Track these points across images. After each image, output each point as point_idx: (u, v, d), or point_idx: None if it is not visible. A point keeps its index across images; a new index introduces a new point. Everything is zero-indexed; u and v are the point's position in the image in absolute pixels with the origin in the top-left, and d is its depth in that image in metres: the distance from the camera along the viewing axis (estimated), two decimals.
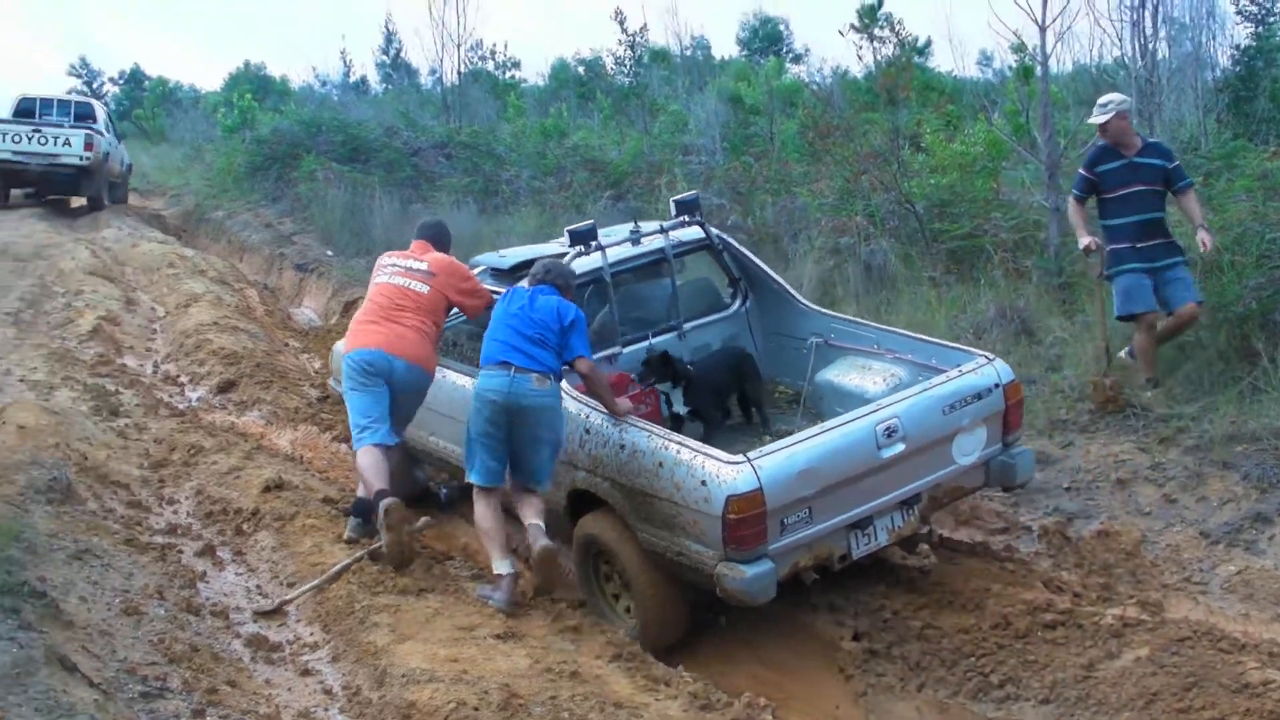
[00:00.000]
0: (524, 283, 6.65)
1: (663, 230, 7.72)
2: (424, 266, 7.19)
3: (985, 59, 29.89)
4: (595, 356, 6.66)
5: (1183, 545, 6.52)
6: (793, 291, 7.97)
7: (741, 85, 26.07)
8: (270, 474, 7.92)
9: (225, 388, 10.84)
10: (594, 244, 7.26)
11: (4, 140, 21.54)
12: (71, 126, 22.33)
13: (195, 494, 7.94)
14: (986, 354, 6.57)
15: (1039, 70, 11.24)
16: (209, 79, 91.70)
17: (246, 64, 51.07)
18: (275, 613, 6.27)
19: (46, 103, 24.17)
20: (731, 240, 8.24)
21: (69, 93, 33.95)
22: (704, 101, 23.63)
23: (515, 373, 6.17)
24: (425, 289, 7.11)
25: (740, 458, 5.53)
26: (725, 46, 43.97)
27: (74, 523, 6.63)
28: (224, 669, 5.38)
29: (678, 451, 5.75)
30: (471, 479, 6.43)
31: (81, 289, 14.74)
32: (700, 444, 5.82)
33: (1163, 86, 13.07)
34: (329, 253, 18.04)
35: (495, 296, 6.93)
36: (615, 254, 7.41)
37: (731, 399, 7.48)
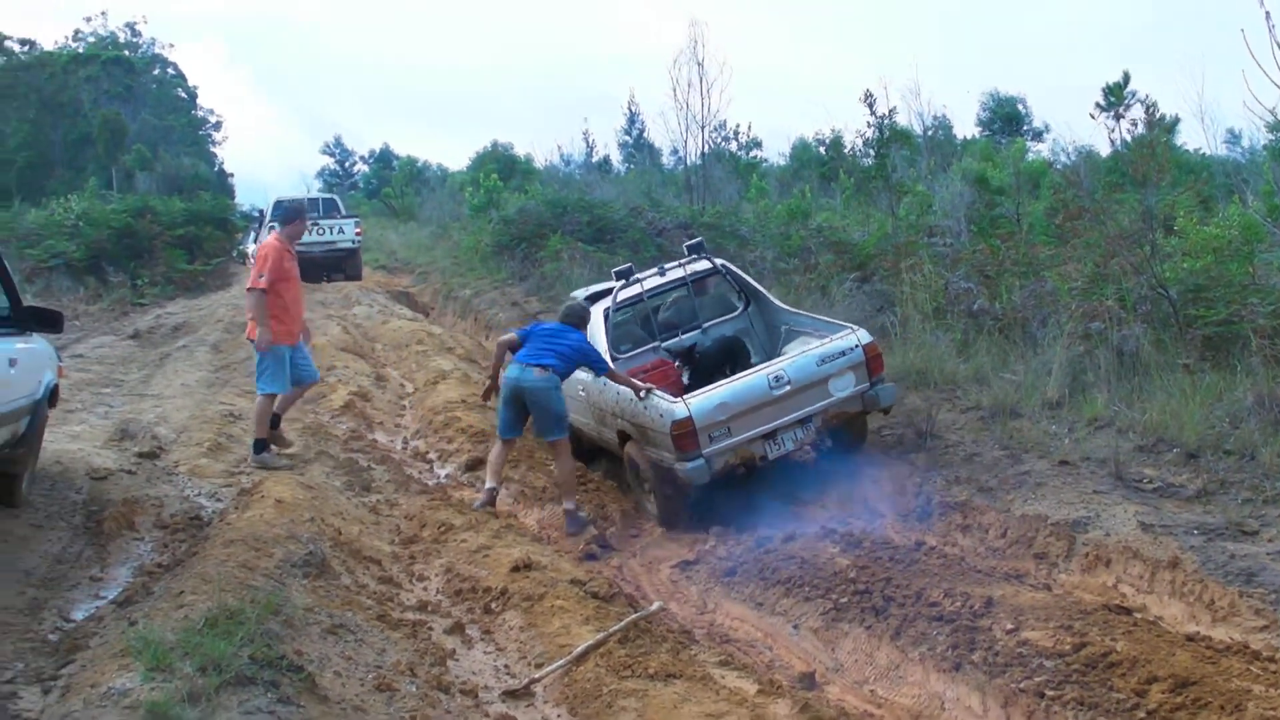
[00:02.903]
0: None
1: (681, 265, 12.11)
2: None
3: (1233, 137, 28.92)
4: (639, 351, 11.83)
5: None
6: (772, 298, 12.30)
7: (986, 166, 25.73)
8: (519, 553, 8.09)
9: (473, 465, 11.17)
10: (632, 278, 11.67)
11: None
12: (342, 217, 27.50)
13: (445, 571, 8.15)
14: (851, 326, 10.57)
15: None
16: (455, 158, 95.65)
17: (494, 144, 52.95)
18: (523, 693, 6.35)
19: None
20: (733, 267, 12.56)
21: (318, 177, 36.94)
22: (948, 182, 23.41)
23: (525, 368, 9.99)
24: None
25: (680, 399, 9.72)
26: (965, 126, 43.63)
27: (329, 597, 6.88)
28: None
29: (656, 401, 9.82)
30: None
31: (334, 364, 15.44)
32: (665, 394, 9.91)
33: None
34: None
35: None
36: (650, 284, 11.90)
37: (727, 369, 11.17)
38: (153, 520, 8.55)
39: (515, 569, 7.82)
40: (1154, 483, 8.58)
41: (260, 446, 10.51)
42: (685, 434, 9.46)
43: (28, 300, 8.70)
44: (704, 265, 12.12)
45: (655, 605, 7.56)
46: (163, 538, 8.21)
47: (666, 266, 12.14)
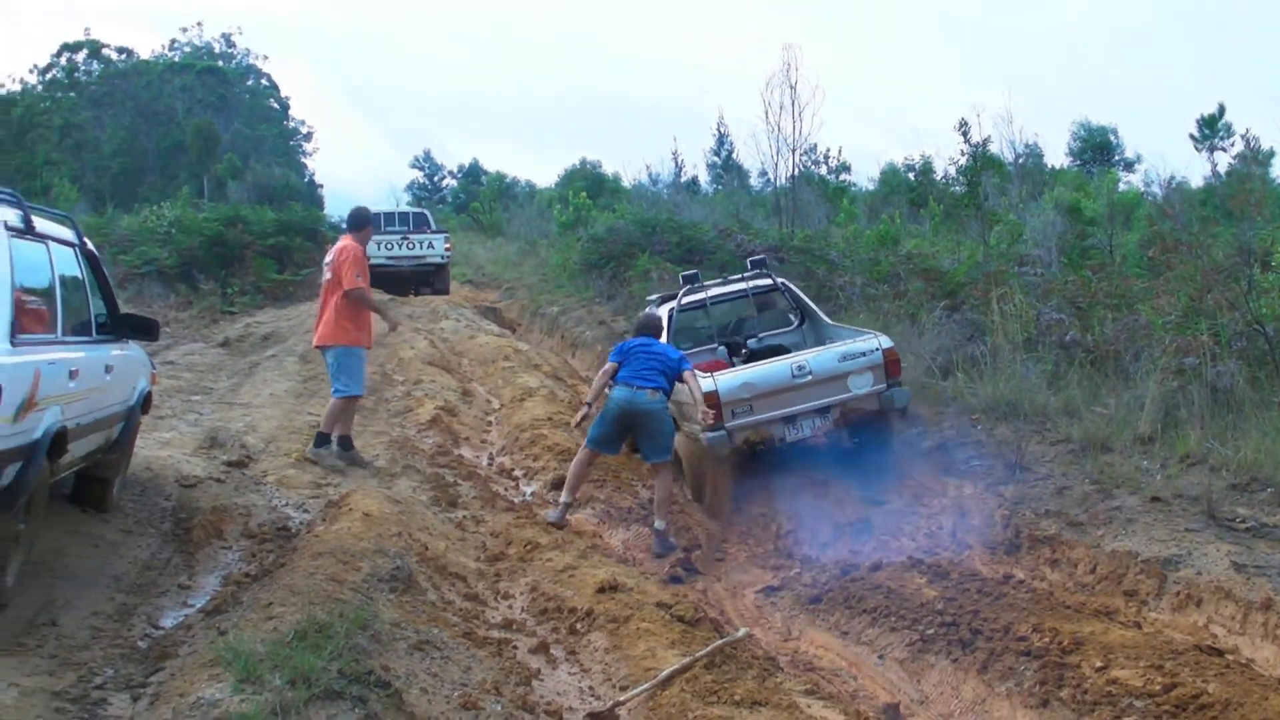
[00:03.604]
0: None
1: (744, 279, 13.48)
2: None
3: None
4: (699, 349, 13.05)
5: None
6: (823, 315, 13.26)
7: (1079, 196, 25.50)
8: (604, 575, 8.09)
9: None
10: (699, 284, 13.16)
11: (379, 248, 25.66)
12: (432, 231, 27.37)
13: (530, 590, 8.17)
14: (875, 333, 11.75)
15: None
16: (544, 175, 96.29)
17: (582, 161, 53.23)
18: (608, 715, 6.33)
19: (389, 216, 28.88)
20: (792, 285, 13.66)
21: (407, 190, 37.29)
22: (1039, 211, 23.22)
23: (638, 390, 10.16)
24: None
25: (710, 375, 11.03)
26: (1055, 155, 43.20)
27: (415, 613, 6.91)
28: None
29: (690, 380, 10.49)
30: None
31: (420, 379, 15.57)
32: (699, 373, 10.83)
33: None
34: None
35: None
36: (714, 291, 13.32)
37: None
38: (240, 529, 8.65)
39: (601, 590, 7.82)
40: (1247, 522, 8.42)
41: (322, 440, 10.81)
42: (711, 406, 10.50)
43: (121, 306, 8.85)
44: (765, 281, 13.38)
45: (741, 631, 7.52)
46: (250, 547, 8.31)
47: (730, 278, 13.83)
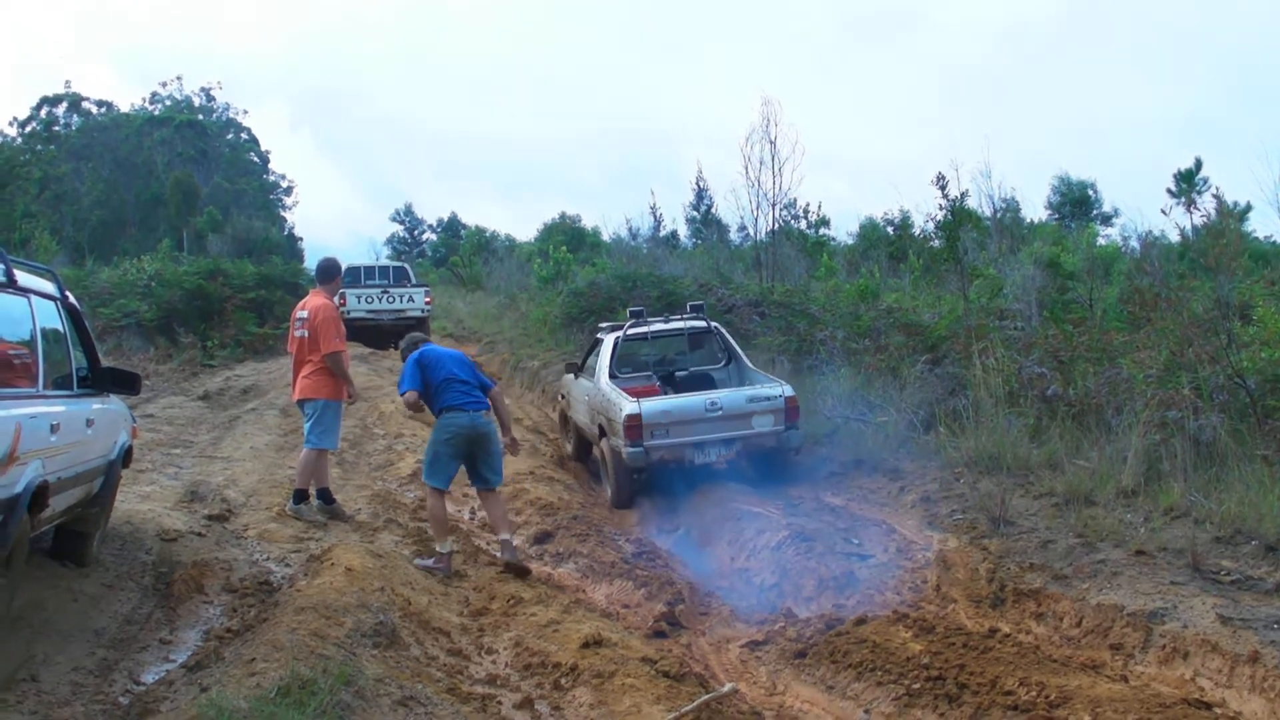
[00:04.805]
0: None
1: (682, 318, 15.61)
2: None
3: None
4: (636, 375, 15.16)
5: None
6: (746, 360, 15.17)
7: (1058, 250, 25.77)
8: (589, 630, 8.05)
9: (542, 538, 11.18)
10: (644, 319, 15.07)
11: (360, 301, 26.51)
12: (413, 285, 27.87)
13: (514, 645, 8.12)
14: (782, 381, 13.73)
15: None
16: (523, 229, 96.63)
17: (562, 215, 53.50)
18: None
19: (369, 270, 29.77)
20: (723, 330, 15.82)
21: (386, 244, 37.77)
22: (1019, 265, 23.42)
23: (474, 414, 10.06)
24: None
25: (636, 400, 12.96)
26: (1033, 209, 43.68)
27: (399, 668, 6.88)
28: None
29: (619, 400, 13.07)
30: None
31: (401, 432, 15.55)
32: (626, 395, 13.22)
33: None
34: None
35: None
36: (655, 327, 15.23)
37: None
38: (222, 584, 8.61)
39: (585, 645, 7.78)
40: (1232, 575, 8.43)
41: (300, 497, 10.77)
42: (633, 426, 12.71)
43: (101, 359, 8.84)
44: (700, 323, 15.44)
45: (728, 687, 7.49)
46: (232, 602, 8.26)
47: (671, 316, 16.02)
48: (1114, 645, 8.01)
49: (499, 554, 10.10)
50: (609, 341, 14.85)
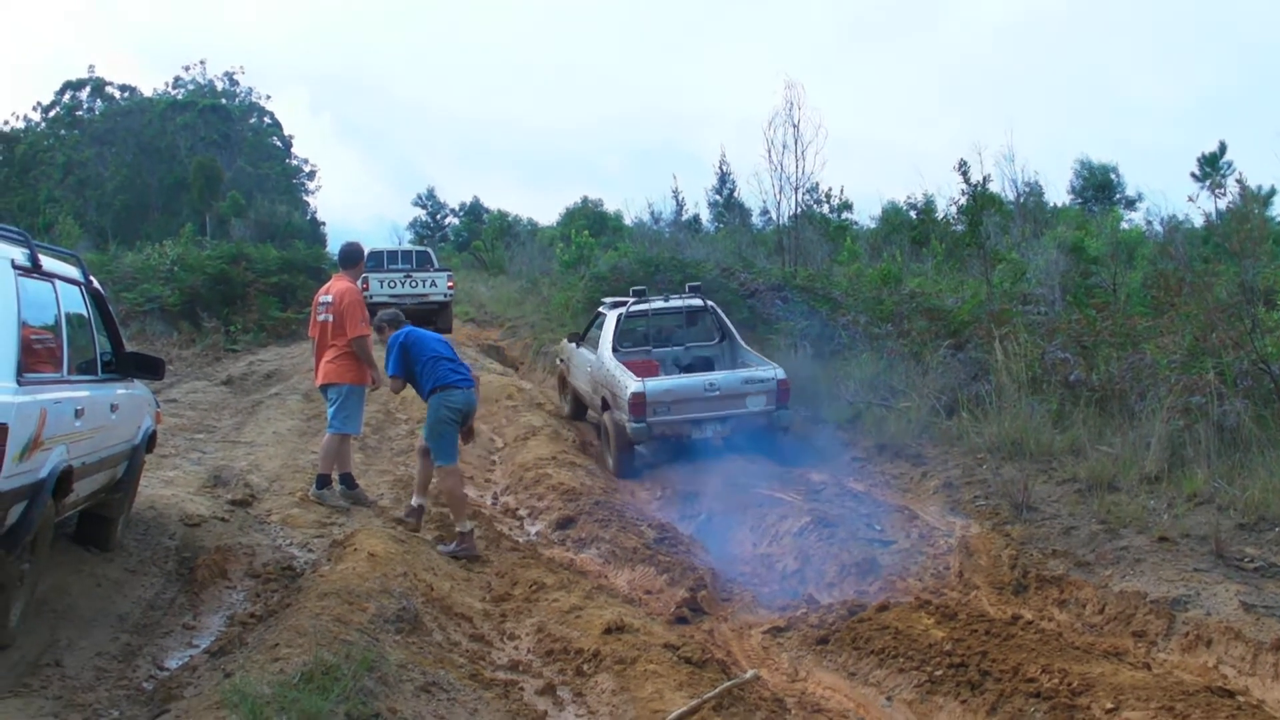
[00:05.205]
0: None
1: (681, 297, 16.66)
2: None
3: None
4: (635, 350, 15.97)
5: None
6: (739, 340, 16.14)
7: (1081, 234, 25.58)
8: (611, 615, 8.05)
9: (564, 524, 11.17)
10: (645, 297, 16.20)
11: (382, 286, 26.36)
12: (435, 270, 27.75)
13: (536, 631, 8.13)
14: (775, 365, 14.63)
15: None
16: (545, 213, 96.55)
17: (584, 199, 53.38)
18: None
19: (392, 254, 29.59)
20: (719, 310, 16.70)
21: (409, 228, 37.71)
22: (1042, 250, 23.27)
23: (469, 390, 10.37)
24: None
25: (641, 379, 13.90)
26: (1056, 193, 43.38)
27: (421, 654, 6.90)
28: None
29: (624, 378, 14.04)
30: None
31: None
32: (631, 374, 14.18)
33: None
34: None
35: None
36: (656, 305, 16.30)
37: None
38: (245, 569, 8.65)
39: (607, 631, 7.79)
40: (1256, 562, 8.40)
41: (323, 482, 10.79)
42: (638, 403, 13.76)
43: (126, 344, 8.87)
44: (698, 302, 16.48)
45: (750, 673, 7.50)
46: (255, 587, 8.30)
47: (671, 296, 17.32)
48: (1137, 632, 7.99)
49: (404, 509, 10.67)
50: (612, 317, 15.79)
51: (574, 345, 17.49)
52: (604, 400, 14.89)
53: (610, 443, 14.50)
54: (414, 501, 10.55)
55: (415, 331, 10.57)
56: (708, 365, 15.86)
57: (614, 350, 15.15)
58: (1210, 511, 9.43)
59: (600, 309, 16.90)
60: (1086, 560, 9.11)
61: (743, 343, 16.17)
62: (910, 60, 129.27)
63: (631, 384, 13.89)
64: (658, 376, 14.63)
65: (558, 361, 19.10)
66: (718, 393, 13.98)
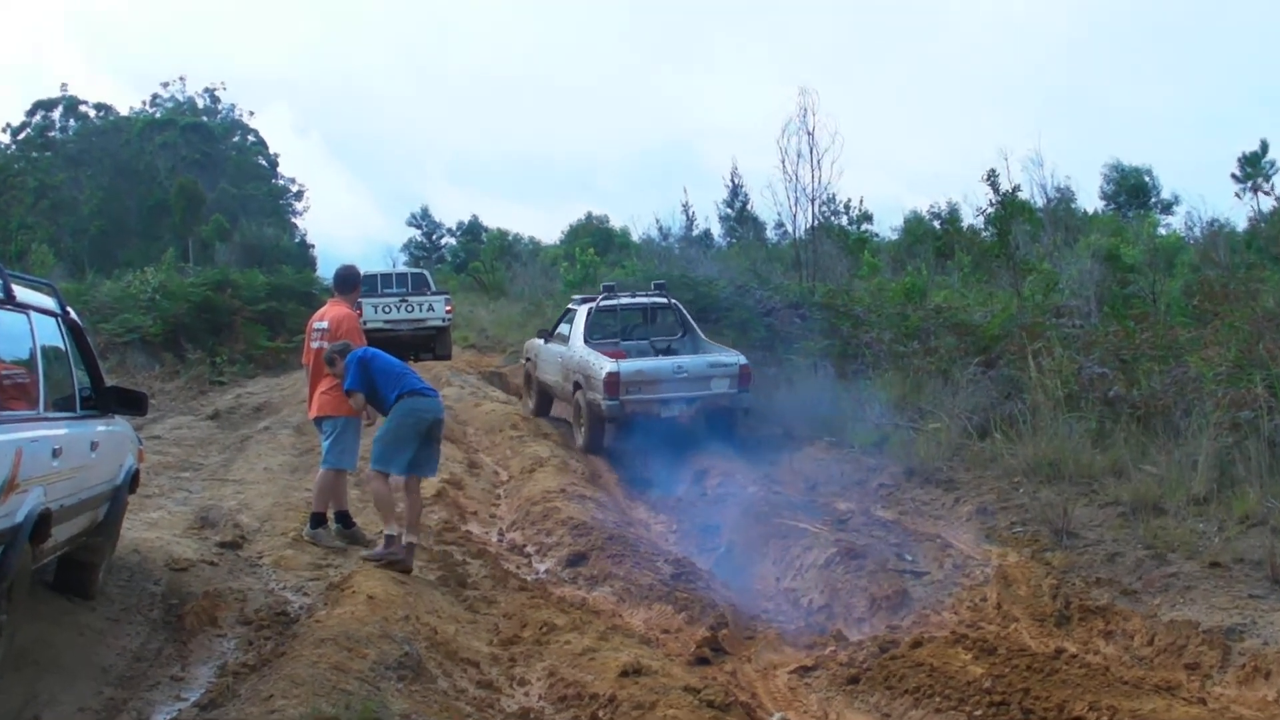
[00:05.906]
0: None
1: (647, 294, 19.35)
2: None
3: None
4: (605, 340, 18.15)
5: None
6: (700, 334, 18.59)
7: (1116, 241, 25.55)
8: (627, 657, 8.00)
9: (575, 560, 11.13)
10: (615, 293, 18.87)
11: (376, 311, 26.14)
12: (432, 293, 27.88)
13: (547, 675, 8.07)
14: (737, 352, 17.12)
15: None
16: (548, 231, 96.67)
17: (588, 216, 53.53)
18: None
19: (386, 277, 29.71)
20: (681, 306, 19.19)
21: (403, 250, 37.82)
22: (1075, 259, 23.26)
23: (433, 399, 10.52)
24: None
25: (615, 360, 16.43)
26: (1087, 199, 43.40)
27: (426, 702, 6.86)
28: None
29: (599, 361, 16.51)
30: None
31: None
32: (606, 357, 16.61)
33: None
34: None
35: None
36: (624, 301, 18.93)
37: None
38: (236, 615, 8.61)
39: (624, 674, 7.73)
40: None
41: (318, 521, 10.76)
42: (612, 383, 16.06)
43: (106, 378, 8.85)
44: (662, 299, 19.19)
45: (776, 717, 7.47)
46: (247, 634, 8.26)
47: (638, 292, 20.01)
48: (1189, 665, 7.94)
49: (401, 544, 10.05)
50: (583, 311, 18.20)
51: (541, 341, 19.70)
52: (576, 383, 17.28)
53: (584, 420, 17.08)
54: (403, 539, 10.17)
55: (372, 349, 10.62)
56: (672, 353, 18.30)
57: (586, 340, 17.52)
58: (1264, 534, 9.38)
59: (570, 305, 19.29)
60: (1133, 588, 9.08)
61: (703, 335, 18.67)
62: (931, 64, 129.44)
63: (607, 365, 16.27)
64: (630, 359, 17.00)
65: (524, 360, 21.39)
66: (685, 375, 16.49)
